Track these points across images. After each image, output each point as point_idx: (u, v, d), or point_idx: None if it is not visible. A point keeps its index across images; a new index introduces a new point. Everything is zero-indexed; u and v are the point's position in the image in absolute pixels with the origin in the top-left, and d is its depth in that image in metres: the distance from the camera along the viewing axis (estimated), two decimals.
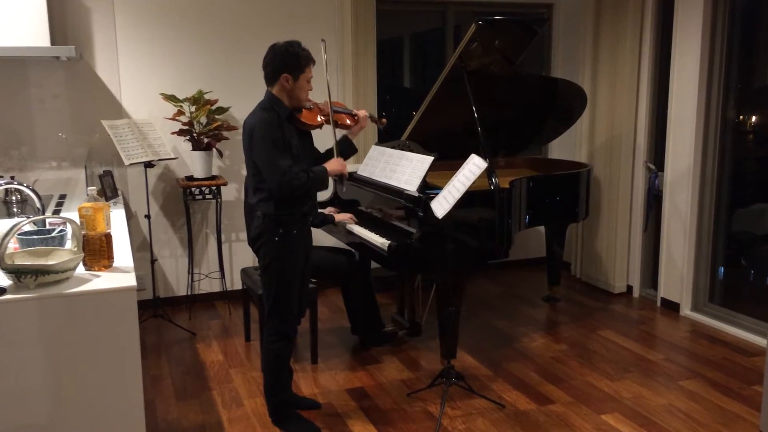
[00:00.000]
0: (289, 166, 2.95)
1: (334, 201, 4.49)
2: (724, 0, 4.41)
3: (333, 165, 3.20)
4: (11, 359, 2.19)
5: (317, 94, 3.35)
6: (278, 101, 3.07)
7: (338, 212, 4.13)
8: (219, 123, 4.59)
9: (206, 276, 5.07)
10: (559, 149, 5.79)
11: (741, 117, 4.58)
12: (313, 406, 3.45)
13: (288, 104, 3.10)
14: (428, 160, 3.66)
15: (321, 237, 4.59)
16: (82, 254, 2.41)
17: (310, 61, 3.08)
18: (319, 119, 3.23)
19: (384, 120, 3.76)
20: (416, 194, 3.57)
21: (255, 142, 2.99)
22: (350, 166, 4.49)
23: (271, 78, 3.07)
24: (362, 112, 3.47)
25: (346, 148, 3.42)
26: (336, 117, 3.36)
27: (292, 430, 3.22)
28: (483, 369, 3.90)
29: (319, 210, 4.11)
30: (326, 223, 3.95)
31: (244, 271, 4.20)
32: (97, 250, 2.44)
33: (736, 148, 4.57)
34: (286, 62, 3.02)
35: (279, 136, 2.98)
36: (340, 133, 3.43)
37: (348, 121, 3.43)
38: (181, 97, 4.55)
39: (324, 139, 3.45)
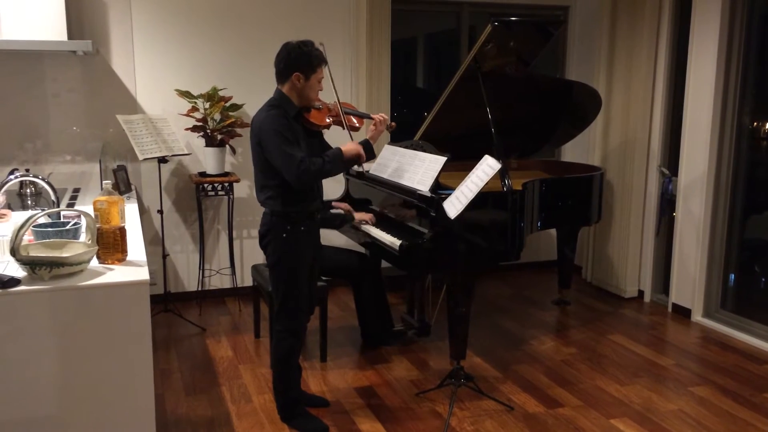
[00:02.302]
0: (302, 156, 2.96)
1: (346, 200, 4.49)
2: (742, 5, 4.38)
3: (348, 146, 3.17)
4: (24, 350, 2.20)
5: (327, 96, 3.37)
6: (287, 100, 3.09)
7: (351, 210, 4.12)
8: (233, 120, 4.60)
9: (217, 272, 5.08)
10: (572, 152, 5.77)
11: (756, 123, 4.55)
12: (321, 404, 3.45)
13: (297, 103, 3.11)
14: (441, 160, 3.66)
15: (332, 236, 4.59)
16: (96, 247, 2.43)
17: (322, 62, 3.09)
18: (327, 120, 3.24)
19: (393, 123, 3.72)
20: (429, 194, 3.56)
21: (265, 139, 2.99)
22: (363, 165, 4.49)
23: (282, 76, 3.08)
24: (377, 116, 3.41)
25: (365, 153, 3.37)
26: (346, 119, 3.37)
27: (300, 427, 3.23)
28: (492, 370, 3.89)
29: (333, 209, 4.10)
30: (345, 223, 3.93)
31: (255, 268, 4.21)
32: (110, 244, 2.45)
33: (750, 154, 4.54)
34: (299, 61, 3.03)
35: (289, 132, 2.99)
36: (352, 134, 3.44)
37: (357, 123, 3.43)
38: (195, 93, 4.57)
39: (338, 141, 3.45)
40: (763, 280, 4.64)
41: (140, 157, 4.19)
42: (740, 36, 4.42)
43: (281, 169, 2.98)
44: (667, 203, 4.94)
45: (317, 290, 3.49)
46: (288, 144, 2.96)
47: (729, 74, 4.47)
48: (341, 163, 3.13)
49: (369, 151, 3.36)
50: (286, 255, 3.12)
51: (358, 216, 3.95)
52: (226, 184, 4.71)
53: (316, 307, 3.93)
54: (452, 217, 3.15)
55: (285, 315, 3.19)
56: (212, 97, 4.55)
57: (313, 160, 2.99)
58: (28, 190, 3.97)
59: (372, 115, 3.45)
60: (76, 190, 4.35)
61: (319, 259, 3.35)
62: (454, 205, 3.17)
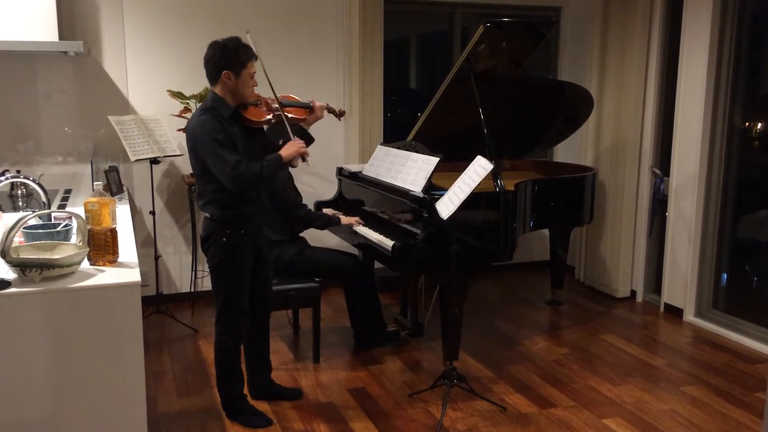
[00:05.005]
0: (237, 160, 2.91)
1: (338, 201, 4.49)
2: (733, 6, 4.40)
3: (288, 150, 3.07)
4: (15, 352, 2.19)
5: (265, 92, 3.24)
6: (221, 100, 3.02)
7: (343, 215, 4.14)
8: None
9: (209, 273, 5.06)
10: (565, 152, 5.78)
11: (747, 123, 4.57)
12: (294, 396, 3.50)
13: (232, 102, 3.04)
14: (433, 161, 3.66)
15: (325, 237, 4.59)
16: (87, 249, 2.42)
17: (252, 57, 3.02)
18: (266, 116, 3.13)
19: (342, 110, 3.71)
20: (421, 195, 3.57)
21: (200, 146, 2.95)
22: (355, 166, 4.51)
23: (212, 76, 3.03)
24: (319, 103, 3.38)
25: (301, 138, 3.24)
26: (287, 110, 3.24)
27: (245, 423, 3.26)
28: (485, 371, 3.89)
29: (324, 210, 4.11)
30: (331, 224, 3.94)
31: None
32: (102, 245, 2.45)
33: (742, 155, 4.56)
34: (227, 58, 2.97)
35: (222, 135, 2.94)
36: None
37: (299, 115, 3.31)
38: (188, 94, 4.55)
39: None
40: (755, 279, 4.66)
41: (132, 158, 4.18)
42: (731, 36, 4.44)
43: (217, 174, 2.94)
44: (659, 203, 4.96)
45: (269, 296, 3.46)
46: (222, 147, 2.91)
47: (720, 74, 4.49)
48: (280, 166, 3.06)
49: (304, 136, 3.26)
50: (225, 259, 3.11)
51: (345, 221, 3.95)
52: None
53: (309, 308, 3.96)
54: (445, 218, 3.16)
55: (225, 317, 3.21)
56: (204, 97, 4.53)
57: (249, 166, 2.92)
58: (19, 192, 3.95)
59: (312, 103, 3.36)
60: (68, 192, 4.33)
61: (266, 260, 3.32)
62: (446, 206, 3.18)
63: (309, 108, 3.36)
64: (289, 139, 3.13)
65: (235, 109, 3.06)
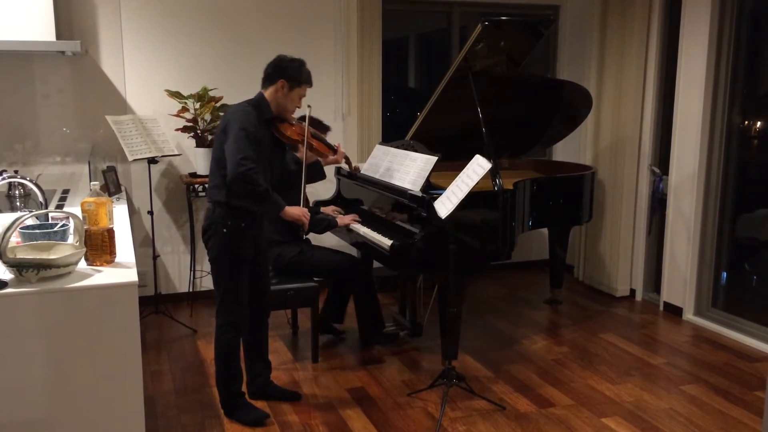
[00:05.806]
0: (252, 157, 2.98)
1: (337, 199, 4.48)
2: (731, 5, 4.40)
3: (293, 210, 3.23)
4: (12, 353, 2.19)
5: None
6: (266, 103, 3.17)
7: (340, 212, 4.13)
8: None
9: (208, 273, 5.04)
10: (564, 151, 5.77)
11: (746, 122, 4.57)
12: (293, 399, 3.49)
13: (274, 111, 3.18)
14: (432, 160, 3.66)
15: (324, 236, 4.57)
16: (84, 249, 2.41)
17: (309, 81, 3.21)
18: (296, 137, 3.29)
19: (357, 166, 4.04)
20: (420, 194, 3.56)
21: (230, 127, 3.04)
22: (354, 165, 4.49)
23: (268, 79, 3.18)
24: (342, 149, 3.65)
25: (314, 173, 3.52)
26: (312, 141, 3.42)
27: (242, 419, 3.27)
28: (484, 370, 3.89)
29: (322, 210, 4.10)
30: (330, 228, 3.93)
31: None
32: (99, 245, 2.44)
33: (741, 153, 4.55)
34: (289, 70, 3.15)
35: (255, 131, 3.04)
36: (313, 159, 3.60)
37: (322, 150, 3.53)
38: (185, 93, 4.54)
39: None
40: (754, 278, 4.66)
41: (130, 158, 4.17)
42: (730, 34, 4.43)
43: (228, 157, 3.00)
44: (658, 202, 4.95)
45: (267, 291, 3.47)
46: (248, 139, 3.00)
47: (719, 73, 4.48)
48: (276, 210, 3.17)
49: (318, 171, 3.73)
50: (225, 250, 3.15)
51: (341, 221, 3.94)
52: None
53: (308, 308, 3.95)
54: (443, 217, 3.15)
55: (225, 309, 3.23)
56: (202, 97, 4.53)
57: (257, 170, 2.98)
58: (17, 192, 3.94)
59: (337, 146, 3.61)
60: (66, 192, 4.33)
61: (264, 256, 3.37)
62: (444, 205, 3.17)
63: (333, 149, 3.61)
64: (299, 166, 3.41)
65: (273, 118, 3.19)
